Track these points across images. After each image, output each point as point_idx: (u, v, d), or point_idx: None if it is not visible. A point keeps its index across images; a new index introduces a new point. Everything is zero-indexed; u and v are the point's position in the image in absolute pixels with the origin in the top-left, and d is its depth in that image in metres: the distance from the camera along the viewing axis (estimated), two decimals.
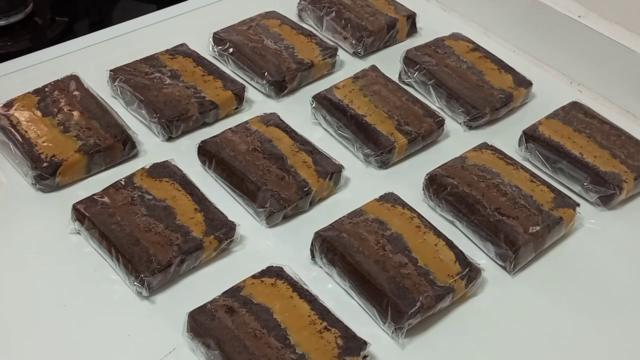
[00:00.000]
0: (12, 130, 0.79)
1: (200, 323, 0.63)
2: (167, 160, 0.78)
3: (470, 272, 0.70)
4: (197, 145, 0.81)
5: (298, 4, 1.04)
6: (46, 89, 0.84)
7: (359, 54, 0.99)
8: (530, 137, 0.85)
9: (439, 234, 0.73)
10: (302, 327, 0.64)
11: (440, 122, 0.86)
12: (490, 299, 0.72)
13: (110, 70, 0.88)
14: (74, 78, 0.85)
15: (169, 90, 0.85)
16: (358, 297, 0.69)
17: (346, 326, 0.64)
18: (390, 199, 0.76)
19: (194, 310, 0.64)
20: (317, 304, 0.66)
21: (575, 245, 0.78)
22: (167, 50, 0.91)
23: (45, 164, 0.76)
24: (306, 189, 0.76)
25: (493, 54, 0.96)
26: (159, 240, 0.69)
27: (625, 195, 0.81)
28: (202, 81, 0.87)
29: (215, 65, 0.90)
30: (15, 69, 0.92)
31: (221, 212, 0.73)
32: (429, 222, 0.74)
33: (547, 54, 1.01)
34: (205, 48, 0.95)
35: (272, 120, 0.83)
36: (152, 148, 0.83)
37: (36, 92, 0.83)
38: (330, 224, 0.73)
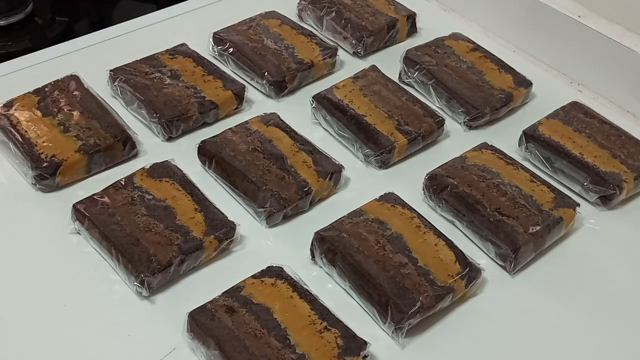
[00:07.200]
0: (12, 130, 0.79)
1: (200, 323, 0.63)
2: (167, 160, 0.78)
3: (470, 272, 0.70)
4: (197, 145, 0.81)
5: (298, 4, 1.03)
6: (46, 89, 0.84)
7: (359, 54, 0.98)
8: (530, 137, 0.85)
9: (439, 234, 0.73)
10: (302, 327, 0.64)
11: (440, 122, 0.86)
12: (490, 299, 0.72)
13: (110, 70, 0.88)
14: (74, 78, 0.85)
15: (169, 90, 0.85)
16: (358, 297, 0.69)
17: (346, 326, 0.64)
18: (390, 199, 0.76)
19: (194, 310, 0.64)
20: (317, 304, 0.66)
21: (575, 245, 0.78)
22: (167, 50, 0.91)
23: (45, 164, 0.76)
24: (306, 189, 0.76)
25: (493, 54, 0.96)
26: (159, 240, 0.69)
27: (625, 195, 0.81)
28: (202, 81, 0.87)
29: (215, 65, 0.90)
30: (15, 69, 0.92)
31: (221, 212, 0.73)
32: (429, 222, 0.74)
33: (547, 54, 1.01)
34: (205, 48, 0.95)
35: (272, 120, 0.83)
36: (152, 148, 0.83)
37: (36, 92, 0.83)
38: (330, 224, 0.73)
